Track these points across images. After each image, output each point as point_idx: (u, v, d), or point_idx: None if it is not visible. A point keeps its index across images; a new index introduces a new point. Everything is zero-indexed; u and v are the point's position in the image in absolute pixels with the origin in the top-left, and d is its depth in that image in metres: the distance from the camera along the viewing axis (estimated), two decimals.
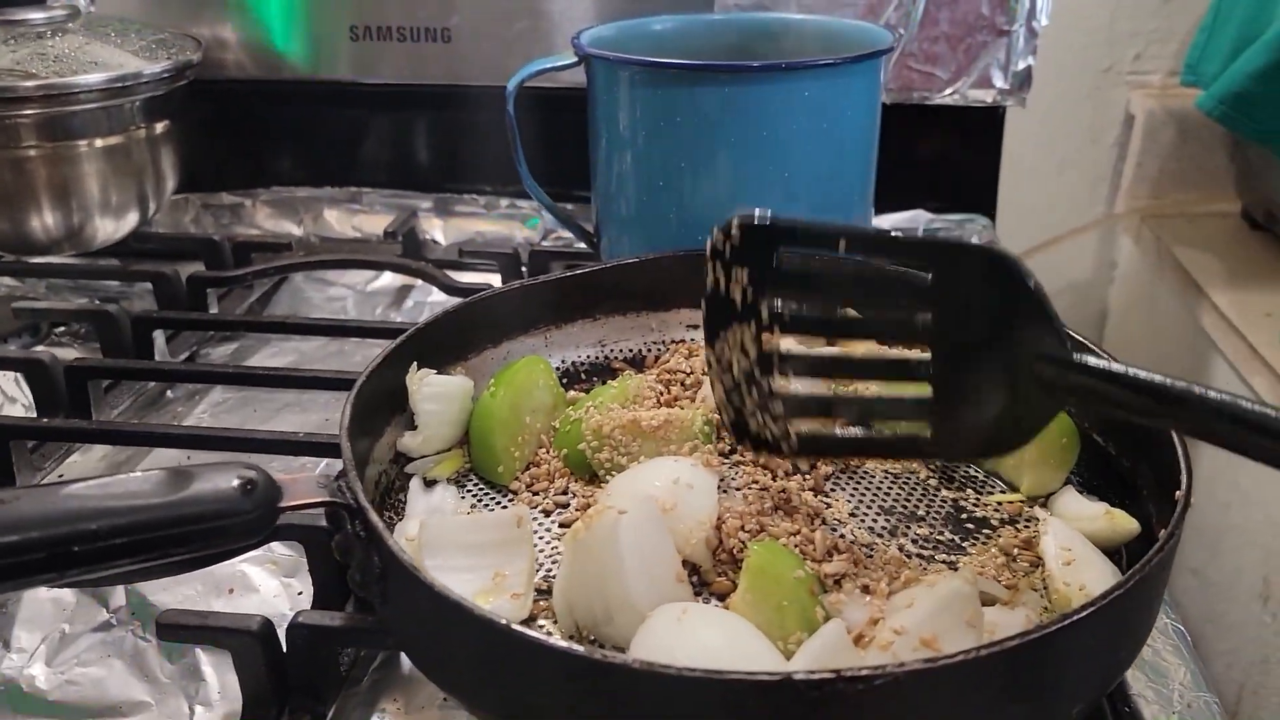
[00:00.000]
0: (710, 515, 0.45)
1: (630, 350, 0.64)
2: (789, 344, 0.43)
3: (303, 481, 0.41)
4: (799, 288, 0.42)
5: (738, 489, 0.50)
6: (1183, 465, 0.41)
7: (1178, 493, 0.40)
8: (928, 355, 0.41)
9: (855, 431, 0.44)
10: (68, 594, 0.54)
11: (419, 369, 0.53)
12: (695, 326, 0.64)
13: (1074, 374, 0.37)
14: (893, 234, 0.42)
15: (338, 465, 0.44)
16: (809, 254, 0.42)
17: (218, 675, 0.50)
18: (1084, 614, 0.34)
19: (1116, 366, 0.37)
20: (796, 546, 0.45)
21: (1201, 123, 0.99)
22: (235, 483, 0.38)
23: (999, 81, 0.91)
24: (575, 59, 0.70)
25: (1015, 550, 0.47)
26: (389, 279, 0.93)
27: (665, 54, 0.72)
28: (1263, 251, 1.04)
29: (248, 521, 0.39)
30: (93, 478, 0.38)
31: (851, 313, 0.43)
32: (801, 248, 0.42)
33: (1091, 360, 0.38)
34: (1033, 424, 0.40)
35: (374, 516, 0.39)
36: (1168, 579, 0.42)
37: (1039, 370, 0.38)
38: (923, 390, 0.41)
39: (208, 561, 0.43)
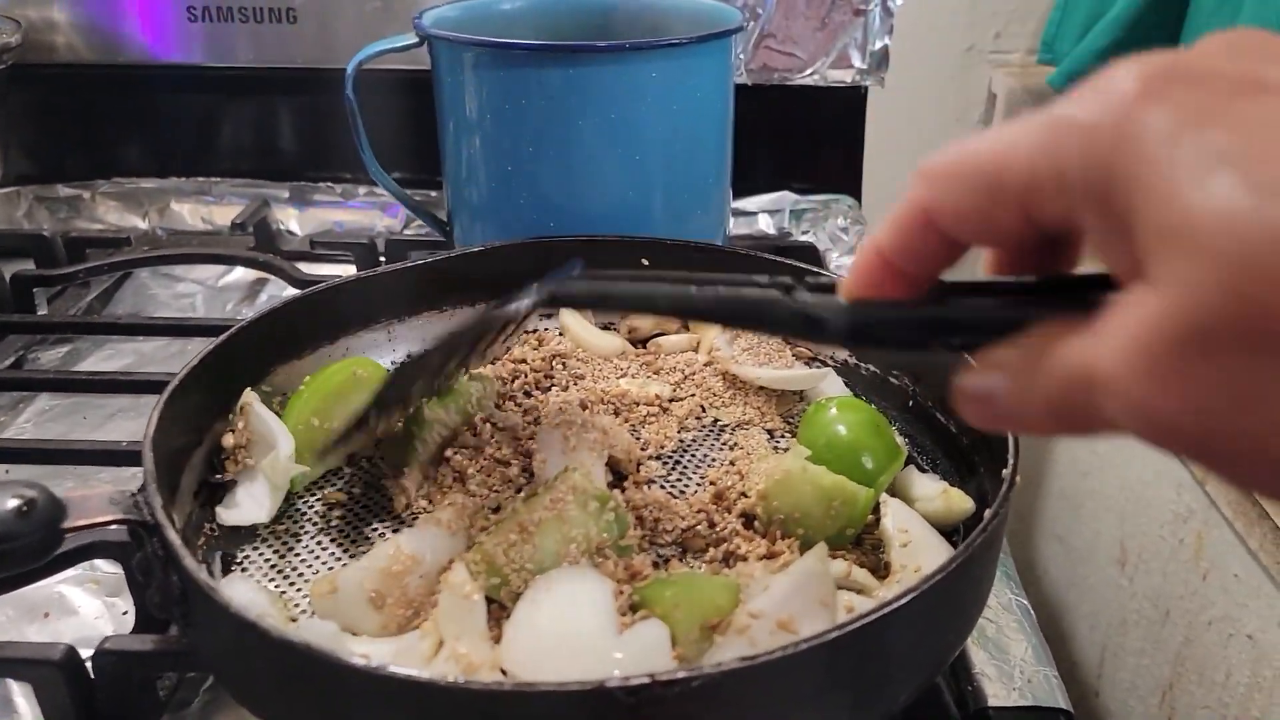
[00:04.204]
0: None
1: None
2: None
3: (93, 498, 0.37)
4: None
5: None
6: (1010, 442, 0.41)
7: (1004, 471, 0.40)
8: None
9: None
10: None
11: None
12: (547, 316, 0.62)
13: None
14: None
15: None
16: None
17: (30, 707, 0.46)
18: (906, 599, 0.33)
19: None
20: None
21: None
22: (10, 504, 0.35)
23: (857, 61, 0.91)
24: (417, 39, 0.67)
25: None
26: (241, 273, 0.88)
27: (514, 35, 0.70)
28: None
29: (26, 545, 0.35)
30: None
31: None
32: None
33: None
34: None
35: (171, 534, 0.36)
36: (997, 558, 0.42)
37: None
38: None
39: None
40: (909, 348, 0.35)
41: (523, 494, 0.44)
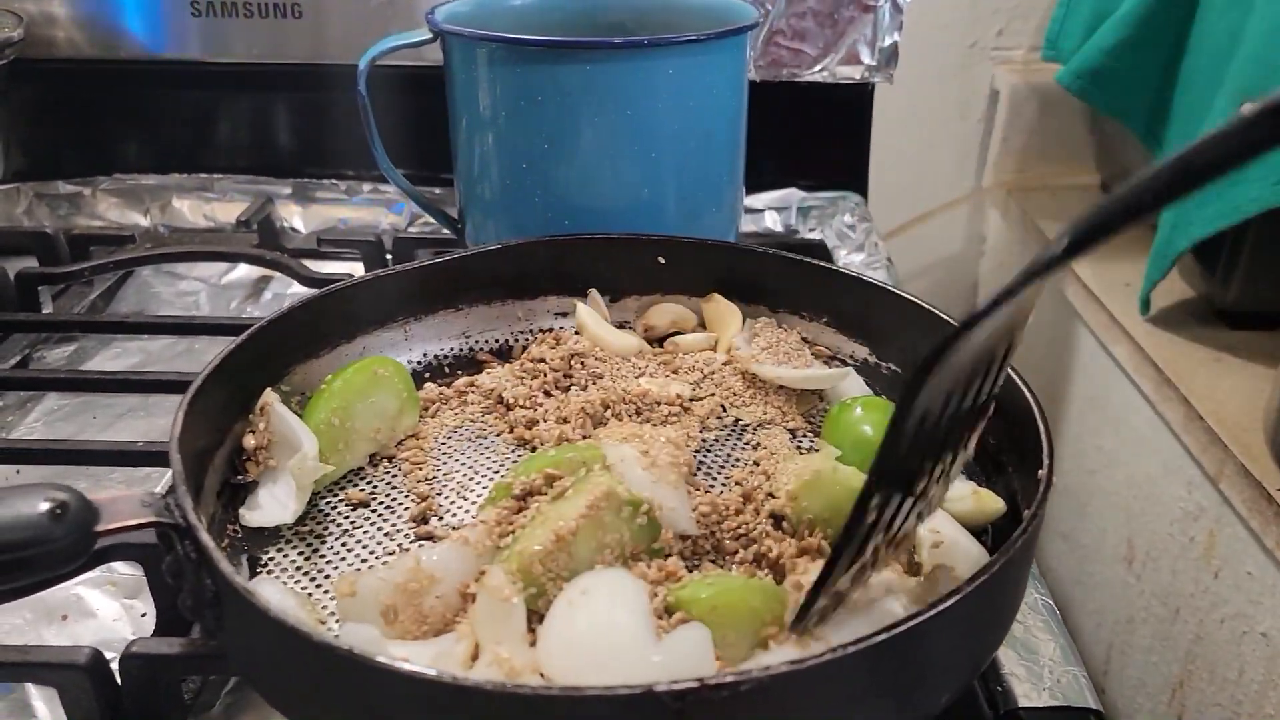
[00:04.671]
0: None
1: (496, 341, 0.61)
2: None
3: (124, 501, 0.37)
4: None
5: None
6: (1045, 444, 0.41)
7: (1040, 472, 0.40)
8: None
9: None
10: None
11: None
12: (563, 314, 0.62)
13: None
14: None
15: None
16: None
17: (50, 710, 0.46)
18: (948, 603, 0.33)
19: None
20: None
21: (1062, 97, 1.01)
22: (43, 507, 0.35)
23: (866, 58, 0.91)
24: (430, 35, 0.67)
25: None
26: (245, 271, 0.88)
27: (526, 30, 0.69)
28: None
29: (59, 549, 0.35)
30: None
31: None
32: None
33: None
34: None
35: (204, 536, 0.36)
36: (1032, 559, 0.42)
37: None
38: None
39: (24, 593, 0.39)
40: None
41: (549, 495, 0.44)
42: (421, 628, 0.39)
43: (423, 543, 0.46)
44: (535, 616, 0.39)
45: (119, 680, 0.42)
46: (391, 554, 0.45)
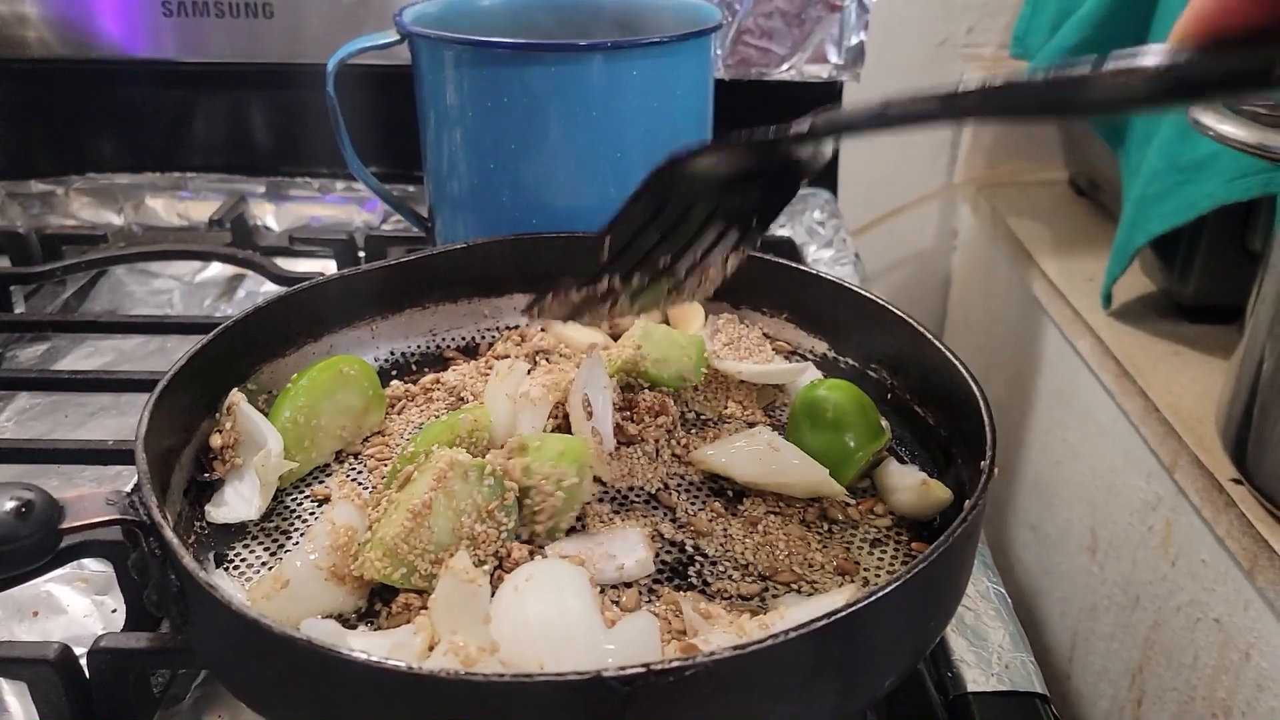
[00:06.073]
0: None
1: (463, 339, 0.62)
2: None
3: (89, 499, 0.38)
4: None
5: None
6: (988, 436, 0.42)
7: (983, 462, 0.41)
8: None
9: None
10: None
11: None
12: (525, 312, 0.63)
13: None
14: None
15: None
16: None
17: (22, 705, 0.46)
18: (889, 589, 0.34)
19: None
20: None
21: None
22: (8, 506, 0.35)
23: (833, 57, 0.92)
24: (398, 37, 0.67)
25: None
26: (218, 269, 0.88)
27: (493, 32, 0.70)
28: (1086, 218, 1.09)
29: (25, 547, 0.36)
30: None
31: None
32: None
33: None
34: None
35: (168, 533, 0.37)
36: (975, 547, 0.43)
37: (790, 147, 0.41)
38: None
39: None
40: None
41: (394, 484, 0.45)
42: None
43: (316, 512, 0.49)
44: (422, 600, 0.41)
45: (87, 675, 0.43)
46: None
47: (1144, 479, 0.79)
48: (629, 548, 0.44)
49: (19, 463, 0.58)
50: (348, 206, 0.96)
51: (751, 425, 0.55)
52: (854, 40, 0.91)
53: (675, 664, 0.32)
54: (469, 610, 0.38)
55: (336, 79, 0.69)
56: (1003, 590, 0.52)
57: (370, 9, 0.92)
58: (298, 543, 0.46)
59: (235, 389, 0.51)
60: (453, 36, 0.64)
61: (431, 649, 0.38)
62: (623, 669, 0.32)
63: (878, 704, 0.44)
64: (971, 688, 0.46)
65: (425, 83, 0.67)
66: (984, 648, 0.48)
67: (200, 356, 0.49)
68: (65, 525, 0.37)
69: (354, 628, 0.41)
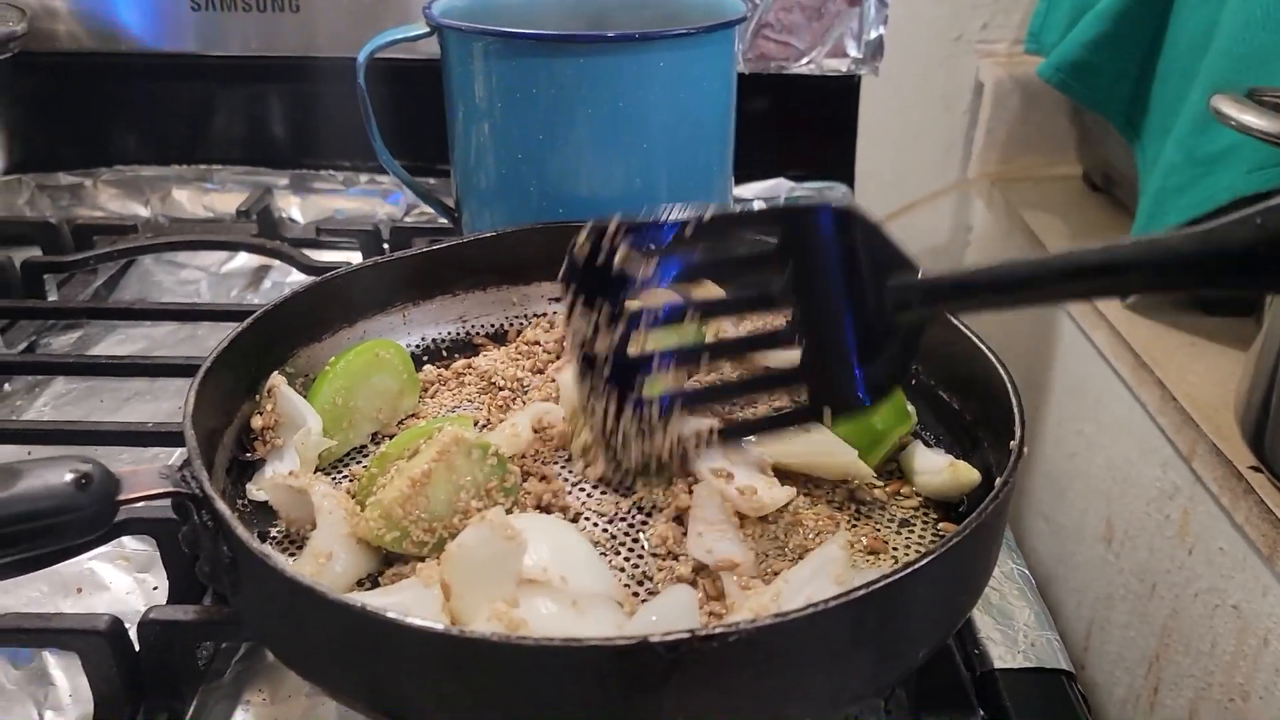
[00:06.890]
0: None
1: (492, 325, 0.63)
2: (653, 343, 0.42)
3: (143, 473, 0.39)
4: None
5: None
6: (1017, 416, 0.43)
7: (1012, 443, 0.42)
8: (788, 319, 0.42)
9: (741, 415, 0.45)
10: None
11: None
12: (556, 299, 0.64)
13: (928, 290, 0.39)
14: (742, 210, 0.42)
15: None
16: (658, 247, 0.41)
17: (68, 678, 0.48)
18: (923, 563, 0.35)
19: (960, 270, 0.39)
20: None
21: (1045, 90, 1.03)
22: (68, 477, 0.37)
23: (853, 51, 0.93)
24: (428, 29, 0.68)
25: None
26: (244, 260, 0.90)
27: (521, 24, 0.71)
28: (1101, 212, 1.10)
29: (84, 518, 0.37)
30: None
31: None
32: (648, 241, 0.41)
33: (936, 271, 0.39)
34: (906, 357, 0.42)
35: (221, 505, 0.38)
36: (1005, 526, 0.44)
37: (897, 297, 0.40)
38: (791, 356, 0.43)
39: (47, 561, 0.41)
40: None
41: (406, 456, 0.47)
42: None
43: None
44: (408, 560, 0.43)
45: (137, 647, 0.44)
46: None
47: (1160, 468, 0.80)
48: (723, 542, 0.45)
49: (59, 444, 0.59)
50: (371, 199, 0.97)
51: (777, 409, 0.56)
52: (873, 34, 0.92)
53: (719, 630, 0.33)
54: (501, 568, 0.39)
55: (368, 72, 0.70)
56: (1026, 571, 0.53)
57: (391, 2, 0.93)
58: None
59: (275, 372, 0.52)
60: (482, 28, 0.65)
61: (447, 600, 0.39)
62: (668, 635, 0.33)
63: (908, 679, 0.45)
64: (999, 664, 0.47)
65: (454, 74, 0.68)
66: (1010, 626, 0.49)
67: (240, 340, 0.50)
68: (122, 497, 0.38)
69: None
